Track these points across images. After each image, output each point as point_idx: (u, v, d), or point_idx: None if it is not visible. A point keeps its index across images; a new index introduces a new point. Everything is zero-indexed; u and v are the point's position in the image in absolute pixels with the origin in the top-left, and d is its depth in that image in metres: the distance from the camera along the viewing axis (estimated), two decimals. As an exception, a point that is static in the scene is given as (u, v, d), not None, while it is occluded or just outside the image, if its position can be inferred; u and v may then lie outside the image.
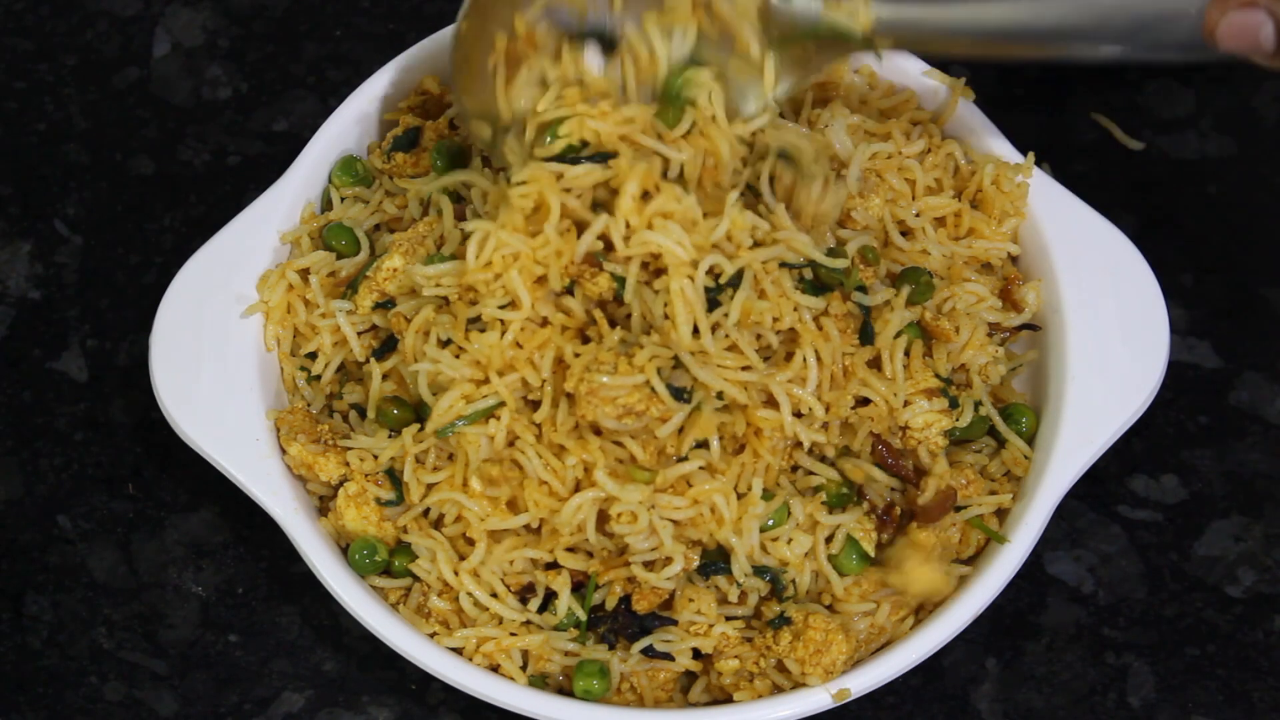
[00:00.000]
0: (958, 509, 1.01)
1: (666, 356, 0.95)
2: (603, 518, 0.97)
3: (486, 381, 0.98)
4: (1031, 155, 1.09)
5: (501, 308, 0.97)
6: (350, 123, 1.12)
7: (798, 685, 0.98)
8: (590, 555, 0.99)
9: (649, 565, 0.98)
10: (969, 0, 0.95)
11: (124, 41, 1.31)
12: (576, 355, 0.96)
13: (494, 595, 0.99)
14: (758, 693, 0.98)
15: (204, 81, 1.29)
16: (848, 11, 0.97)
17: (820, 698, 0.97)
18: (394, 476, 1.01)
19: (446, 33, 1.13)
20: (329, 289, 1.07)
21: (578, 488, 0.97)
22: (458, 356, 0.98)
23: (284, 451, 1.03)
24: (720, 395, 0.96)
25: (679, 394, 0.95)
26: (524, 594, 1.00)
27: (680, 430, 0.96)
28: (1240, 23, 0.87)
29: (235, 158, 1.26)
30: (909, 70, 1.12)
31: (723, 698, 1.00)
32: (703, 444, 0.97)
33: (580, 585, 0.99)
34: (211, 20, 1.32)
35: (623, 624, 0.99)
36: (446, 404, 0.98)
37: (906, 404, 1.01)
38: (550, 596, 1.00)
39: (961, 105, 1.11)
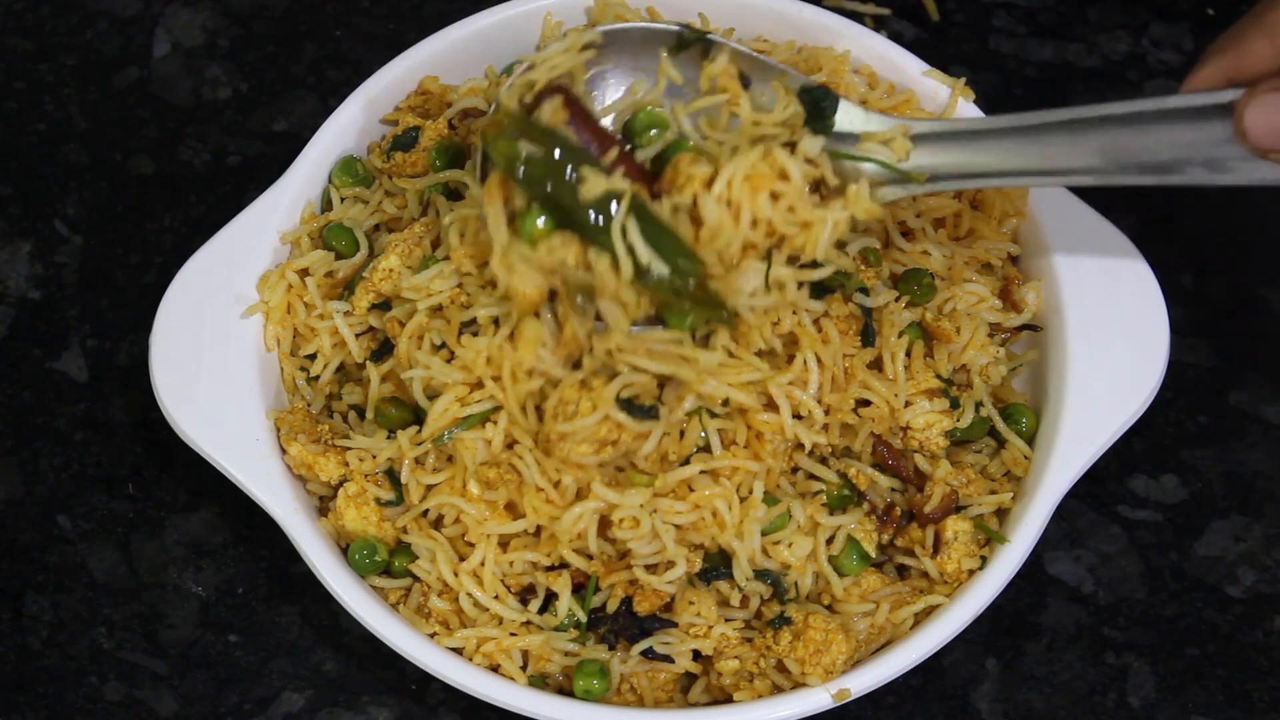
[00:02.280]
0: (958, 509, 1.01)
1: (641, 381, 0.95)
2: (604, 522, 0.97)
3: (481, 386, 0.98)
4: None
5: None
6: (350, 123, 1.12)
7: (798, 685, 0.98)
8: (590, 557, 0.99)
9: (651, 568, 0.98)
10: (995, 145, 0.93)
11: (124, 41, 1.31)
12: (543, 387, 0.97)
13: (495, 597, 0.99)
14: (758, 693, 0.98)
15: (204, 81, 1.29)
16: (889, 148, 0.96)
17: (820, 698, 0.97)
18: (394, 477, 1.01)
19: (446, 32, 1.13)
20: (326, 290, 1.07)
21: (578, 494, 0.97)
22: (450, 361, 0.98)
23: (284, 451, 1.03)
24: (726, 402, 0.96)
25: (647, 412, 0.95)
26: (524, 595, 1.00)
27: (682, 435, 0.96)
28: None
29: (235, 158, 1.26)
30: (909, 70, 1.12)
31: (723, 698, 1.00)
32: (704, 448, 0.97)
33: (581, 586, 0.99)
34: (211, 20, 1.32)
35: (623, 625, 0.99)
36: (440, 409, 0.98)
37: (907, 404, 1.01)
38: (551, 597, 0.99)
39: (961, 105, 1.11)
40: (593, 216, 0.91)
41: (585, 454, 0.94)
